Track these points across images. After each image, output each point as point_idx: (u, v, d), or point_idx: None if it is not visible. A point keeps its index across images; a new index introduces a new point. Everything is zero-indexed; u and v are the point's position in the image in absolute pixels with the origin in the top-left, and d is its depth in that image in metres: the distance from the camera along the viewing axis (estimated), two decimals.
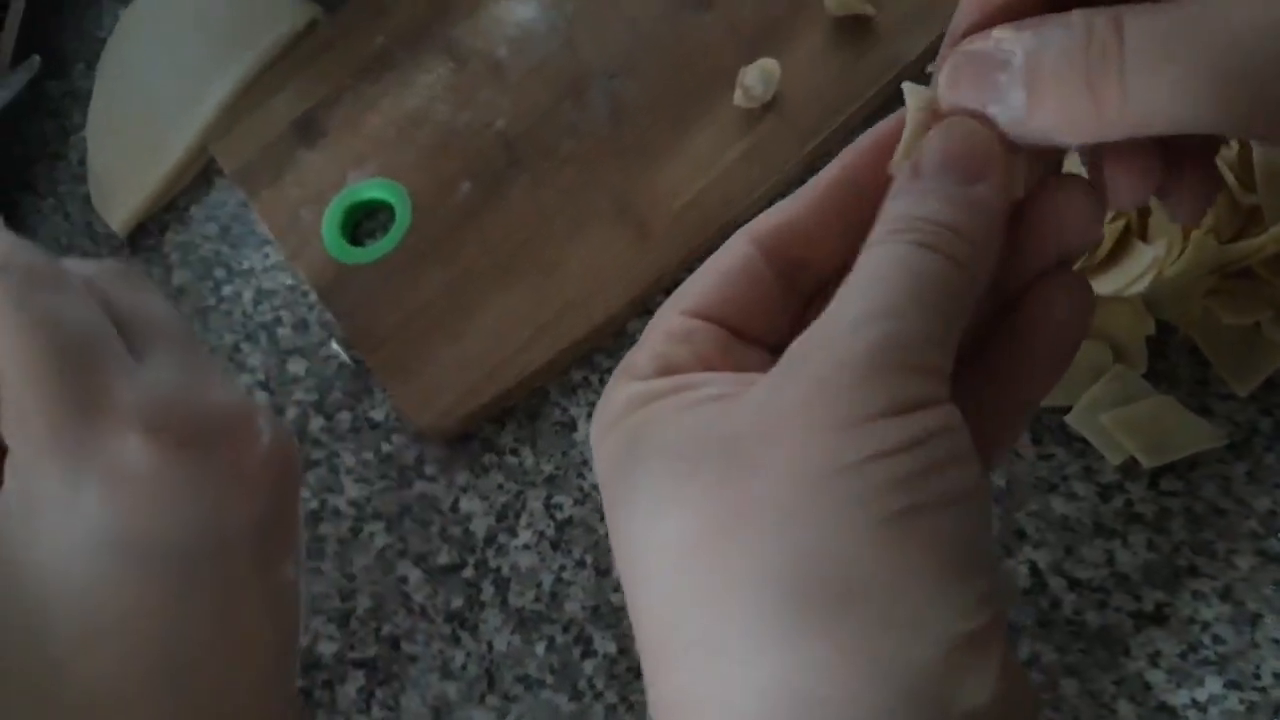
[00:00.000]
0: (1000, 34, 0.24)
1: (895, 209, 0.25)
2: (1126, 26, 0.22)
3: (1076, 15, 0.23)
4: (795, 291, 0.28)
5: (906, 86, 0.27)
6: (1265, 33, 0.21)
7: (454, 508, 0.46)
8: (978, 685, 0.21)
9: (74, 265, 0.29)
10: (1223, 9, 0.22)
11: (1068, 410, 0.41)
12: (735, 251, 0.28)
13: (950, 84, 0.25)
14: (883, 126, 0.28)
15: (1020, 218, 0.26)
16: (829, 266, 0.28)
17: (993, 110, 0.24)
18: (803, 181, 0.46)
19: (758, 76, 0.49)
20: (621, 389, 0.26)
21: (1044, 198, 0.26)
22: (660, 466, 0.23)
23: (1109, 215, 0.41)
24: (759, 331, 0.27)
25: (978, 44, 0.25)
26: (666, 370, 0.26)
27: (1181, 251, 0.39)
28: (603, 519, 0.33)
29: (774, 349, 0.26)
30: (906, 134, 0.26)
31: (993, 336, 0.27)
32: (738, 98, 0.50)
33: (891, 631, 0.21)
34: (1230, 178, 0.40)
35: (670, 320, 0.27)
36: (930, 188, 0.25)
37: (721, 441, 0.23)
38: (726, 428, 0.23)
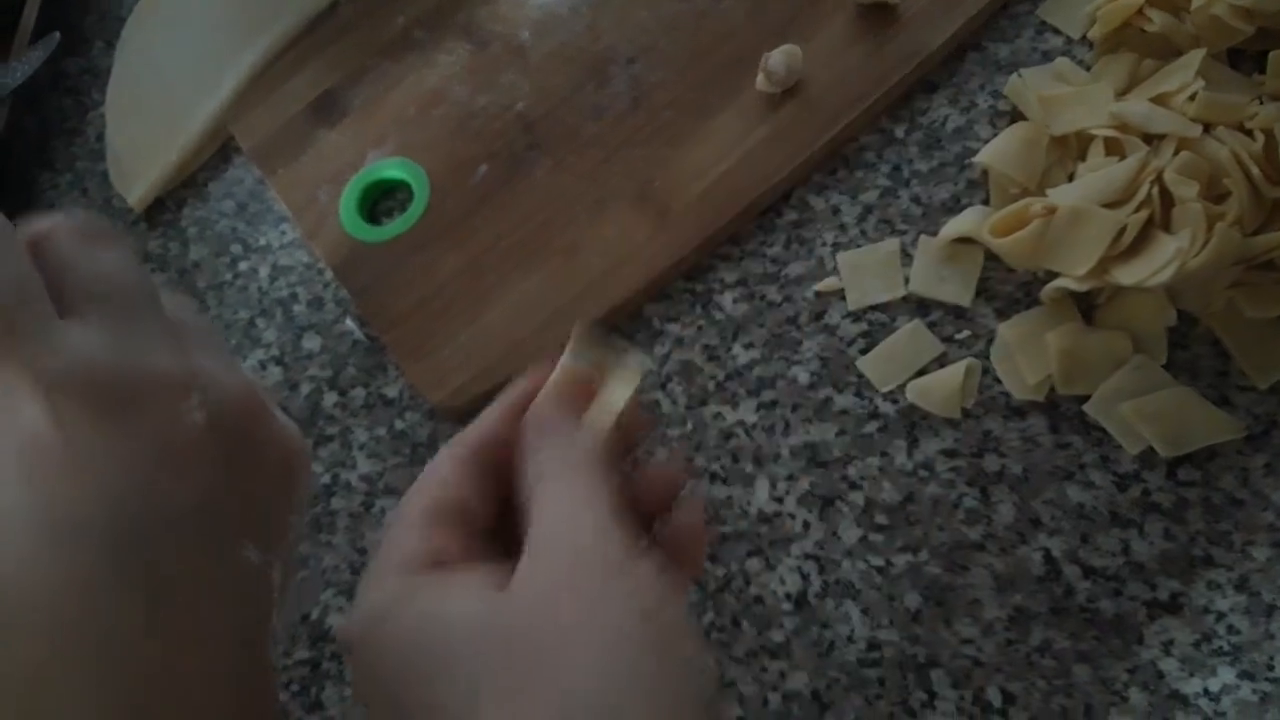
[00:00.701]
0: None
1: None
2: None
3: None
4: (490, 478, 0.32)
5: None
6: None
7: None
8: None
9: (35, 221, 0.28)
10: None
11: (1087, 399, 0.41)
12: (454, 458, 0.32)
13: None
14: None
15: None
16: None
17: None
18: (823, 166, 0.47)
19: (781, 61, 0.49)
20: (390, 584, 0.29)
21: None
22: (468, 662, 0.27)
23: (1132, 207, 0.41)
24: (481, 516, 0.32)
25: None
26: (436, 562, 0.29)
27: (1205, 243, 0.39)
28: None
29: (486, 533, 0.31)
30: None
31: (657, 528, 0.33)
32: (760, 82, 0.50)
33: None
34: (1255, 170, 0.40)
35: (414, 525, 0.30)
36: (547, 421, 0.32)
37: (511, 631, 0.27)
38: (510, 618, 0.27)
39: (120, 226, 0.58)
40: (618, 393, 0.32)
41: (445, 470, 0.32)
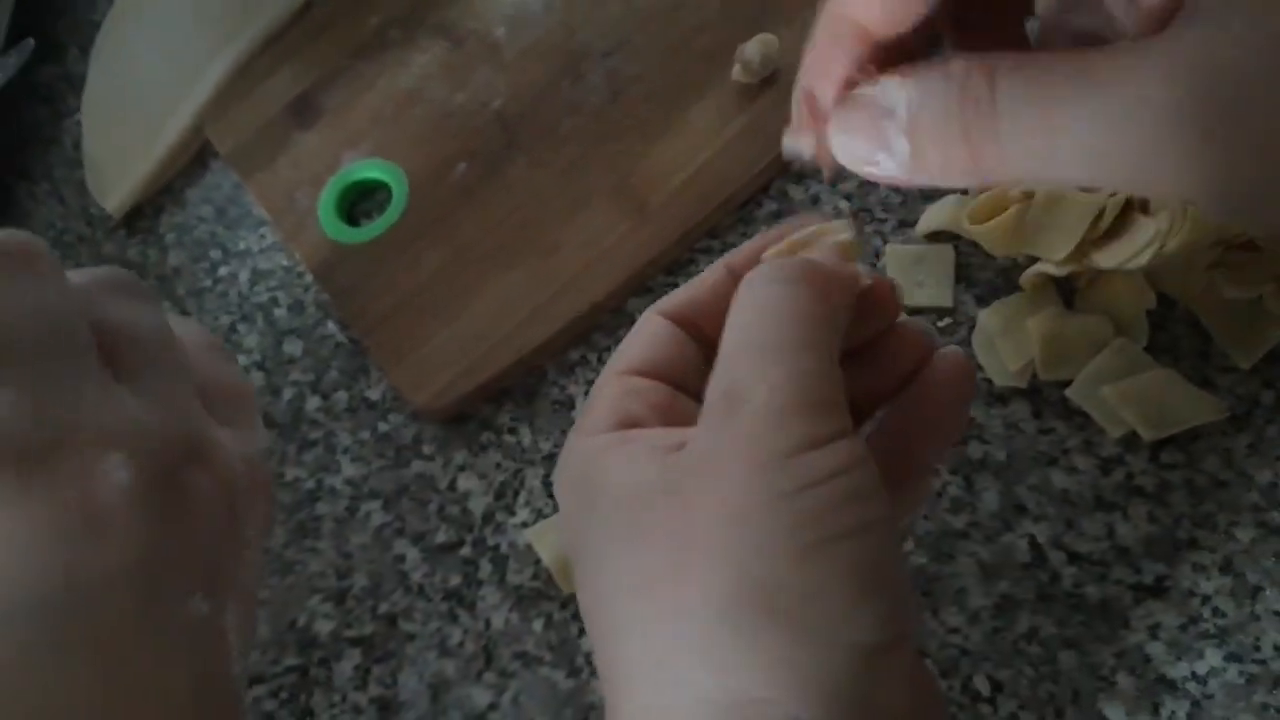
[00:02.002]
0: (887, 81, 0.25)
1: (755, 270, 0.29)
2: (998, 83, 0.23)
3: (956, 66, 0.24)
4: (707, 356, 0.30)
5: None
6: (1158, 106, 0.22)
7: (451, 486, 0.46)
8: (891, 690, 0.24)
9: None
10: (1104, 75, 0.23)
11: (1068, 384, 0.41)
12: (652, 322, 0.31)
13: (841, 130, 0.27)
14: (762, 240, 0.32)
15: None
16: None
17: (880, 158, 0.26)
18: None
19: (757, 51, 0.49)
20: (578, 444, 0.29)
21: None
22: (613, 513, 0.26)
23: (1110, 190, 0.41)
24: (692, 386, 0.30)
25: (866, 89, 0.26)
26: (625, 423, 0.29)
27: (1183, 225, 0.39)
28: None
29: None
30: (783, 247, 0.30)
31: (892, 410, 0.31)
32: (736, 72, 0.50)
33: (809, 642, 0.24)
34: None
35: (613, 381, 0.30)
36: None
37: (666, 487, 0.26)
38: (670, 475, 0.26)
39: (99, 235, 0.58)
40: (835, 238, 0.30)
41: (645, 330, 0.31)
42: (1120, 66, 0.22)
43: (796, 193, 0.48)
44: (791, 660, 0.24)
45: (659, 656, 0.25)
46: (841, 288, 0.28)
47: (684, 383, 0.30)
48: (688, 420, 0.28)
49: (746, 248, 0.31)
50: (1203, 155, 0.22)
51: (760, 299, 0.27)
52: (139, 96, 0.61)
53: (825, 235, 0.30)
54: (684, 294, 0.31)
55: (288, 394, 0.50)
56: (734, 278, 0.30)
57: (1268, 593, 0.38)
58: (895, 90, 0.25)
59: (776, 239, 0.31)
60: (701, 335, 0.31)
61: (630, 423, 0.29)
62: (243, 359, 0.51)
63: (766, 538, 0.24)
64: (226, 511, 0.25)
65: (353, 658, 0.43)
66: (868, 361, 0.31)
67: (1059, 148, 0.23)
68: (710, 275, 0.32)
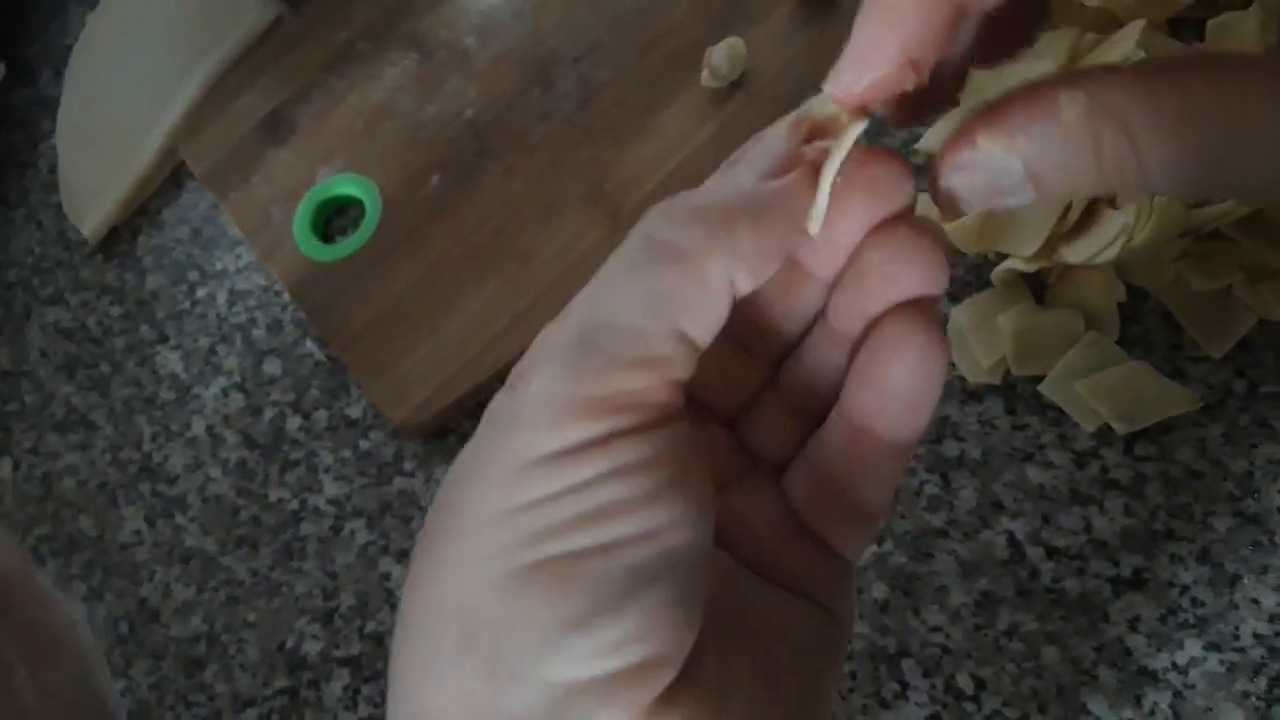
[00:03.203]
0: (989, 146, 0.22)
1: None
2: (1142, 143, 0.20)
3: (1072, 117, 0.21)
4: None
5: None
6: None
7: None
8: None
9: None
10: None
11: (1041, 379, 0.41)
12: None
13: (949, 202, 0.23)
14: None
15: (858, 254, 0.24)
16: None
17: (999, 206, 0.22)
18: None
19: (724, 55, 0.49)
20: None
21: (885, 237, 0.24)
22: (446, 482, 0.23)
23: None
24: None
25: (966, 156, 0.22)
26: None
27: (1149, 218, 0.39)
28: None
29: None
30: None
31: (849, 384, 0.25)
32: (705, 78, 0.50)
33: (494, 680, 0.20)
34: None
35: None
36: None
37: (455, 473, 0.22)
38: (466, 455, 0.22)
39: (77, 259, 0.58)
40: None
41: None
42: None
43: None
44: (469, 698, 0.21)
45: (396, 670, 0.22)
46: (742, 233, 0.22)
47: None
48: None
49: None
50: None
51: (614, 259, 0.23)
52: (113, 118, 0.61)
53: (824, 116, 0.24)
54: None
55: (269, 414, 0.50)
56: None
57: (1246, 581, 0.38)
58: (1005, 153, 0.22)
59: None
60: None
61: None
62: (222, 380, 0.51)
63: (482, 559, 0.21)
64: None
65: (342, 678, 0.43)
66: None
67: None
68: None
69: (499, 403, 0.22)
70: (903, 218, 0.23)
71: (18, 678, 0.25)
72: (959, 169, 0.22)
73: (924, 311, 0.23)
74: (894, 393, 0.23)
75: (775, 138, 0.23)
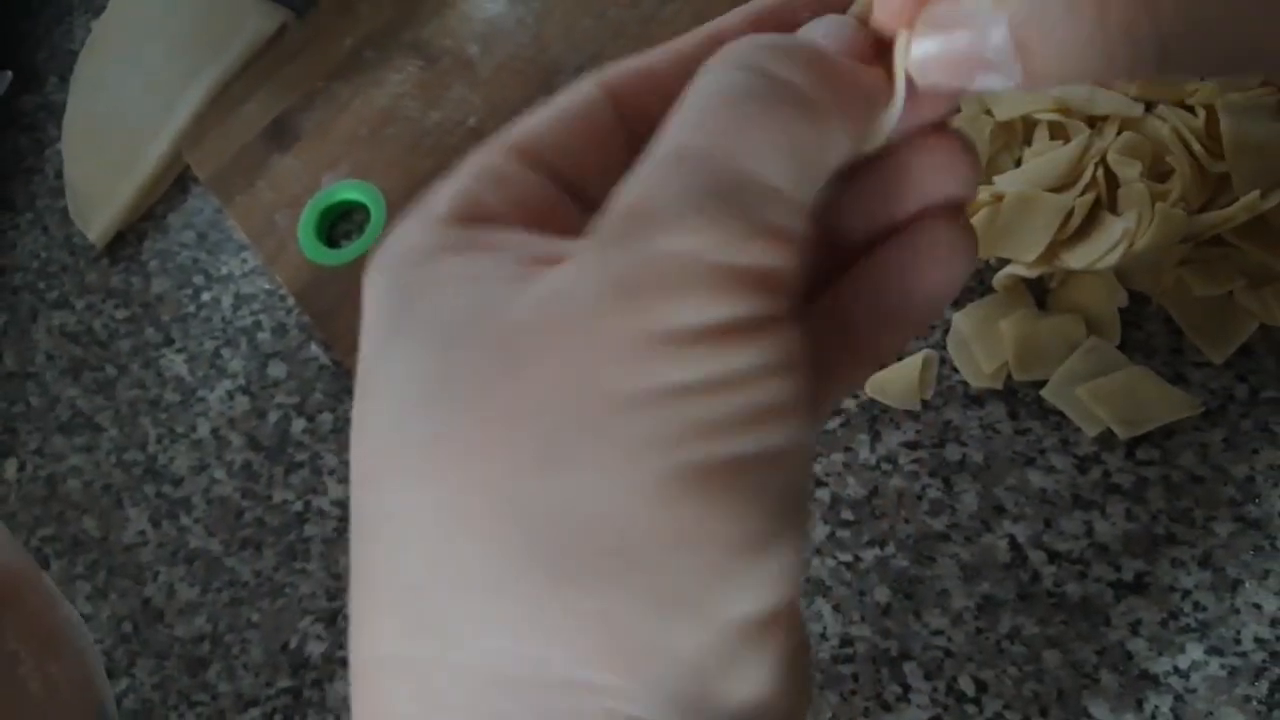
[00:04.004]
0: (973, 4, 0.19)
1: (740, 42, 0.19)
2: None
3: None
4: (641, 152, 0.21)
5: None
6: None
7: None
8: (754, 678, 0.17)
9: None
10: None
11: (1043, 384, 0.41)
12: (581, 92, 0.22)
13: (923, 69, 0.20)
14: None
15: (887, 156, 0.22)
16: None
17: (979, 84, 0.19)
18: None
19: None
20: (412, 229, 0.21)
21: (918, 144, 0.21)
22: (423, 346, 0.18)
23: (1078, 190, 0.41)
24: (595, 192, 0.21)
25: (945, 10, 0.19)
26: (471, 216, 0.20)
27: (1151, 223, 0.39)
28: None
29: None
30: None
31: (846, 281, 0.22)
32: None
33: (664, 610, 0.16)
34: (1198, 146, 0.40)
35: (489, 156, 0.21)
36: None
37: (500, 332, 0.17)
38: (511, 314, 0.18)
39: (83, 264, 0.58)
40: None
41: (569, 102, 0.22)
42: None
43: None
44: (617, 631, 0.16)
45: (421, 581, 0.17)
46: (854, 100, 0.19)
47: (586, 185, 0.21)
48: (568, 233, 0.19)
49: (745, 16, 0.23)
50: None
51: (722, 89, 0.19)
52: (118, 124, 0.61)
53: None
54: (639, 62, 0.23)
55: (273, 417, 0.50)
56: (714, 47, 0.21)
57: (1247, 586, 0.38)
58: (990, 12, 0.18)
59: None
60: (645, 119, 0.21)
61: (479, 216, 0.20)
62: (228, 383, 0.51)
63: (626, 452, 0.16)
64: None
65: (346, 678, 0.43)
66: (845, 190, 0.22)
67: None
68: (681, 45, 0.23)
69: (610, 258, 0.17)
70: (943, 124, 0.21)
71: (24, 667, 0.25)
72: (935, 29, 0.19)
73: (963, 214, 0.22)
74: (926, 292, 0.21)
75: (842, 22, 0.20)
